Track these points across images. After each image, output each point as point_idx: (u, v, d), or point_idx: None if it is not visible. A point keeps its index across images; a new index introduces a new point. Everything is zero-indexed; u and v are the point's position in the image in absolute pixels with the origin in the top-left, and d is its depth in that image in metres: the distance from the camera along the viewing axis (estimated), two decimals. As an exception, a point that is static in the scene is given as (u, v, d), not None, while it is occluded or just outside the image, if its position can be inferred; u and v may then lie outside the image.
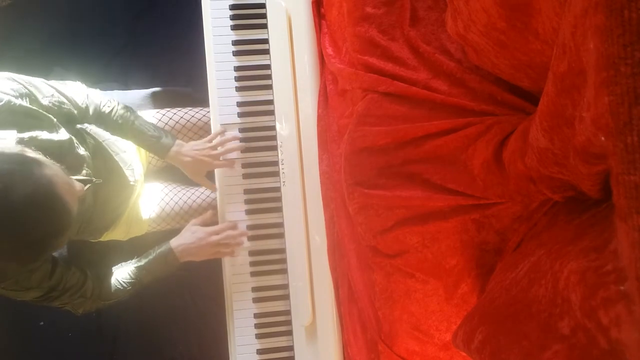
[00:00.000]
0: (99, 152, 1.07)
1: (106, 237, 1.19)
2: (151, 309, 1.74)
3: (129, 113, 1.08)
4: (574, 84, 0.46)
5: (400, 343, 0.87)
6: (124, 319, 1.80)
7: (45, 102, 0.91)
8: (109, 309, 1.78)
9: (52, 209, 0.72)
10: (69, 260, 0.99)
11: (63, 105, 0.96)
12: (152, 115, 1.28)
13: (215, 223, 1.13)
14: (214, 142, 1.11)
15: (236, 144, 1.12)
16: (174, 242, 1.09)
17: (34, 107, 0.87)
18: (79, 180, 0.83)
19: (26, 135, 0.83)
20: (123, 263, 1.09)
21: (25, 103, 0.85)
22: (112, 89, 1.47)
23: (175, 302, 1.78)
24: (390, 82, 0.85)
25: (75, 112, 0.99)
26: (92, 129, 1.10)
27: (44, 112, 0.89)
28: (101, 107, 1.05)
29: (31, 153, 0.74)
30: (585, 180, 0.52)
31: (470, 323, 0.67)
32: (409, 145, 0.81)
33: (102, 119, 1.06)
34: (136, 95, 1.40)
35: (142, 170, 1.27)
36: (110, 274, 1.06)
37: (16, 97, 0.84)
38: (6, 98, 0.82)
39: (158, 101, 1.41)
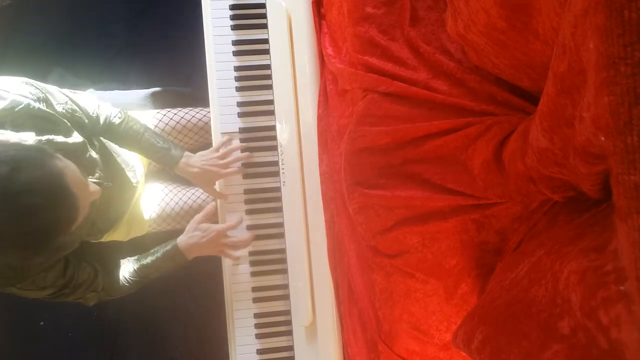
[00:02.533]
0: (104, 153, 1.08)
1: (107, 237, 1.19)
2: (151, 308, 1.74)
3: (138, 125, 1.08)
4: (574, 84, 0.46)
5: (400, 343, 0.87)
6: (124, 319, 1.80)
7: (59, 108, 0.92)
8: (109, 309, 1.79)
9: (58, 198, 0.72)
10: (79, 256, 0.99)
11: (75, 113, 0.97)
12: (152, 116, 1.28)
13: (217, 218, 1.13)
14: (221, 151, 1.11)
15: (243, 153, 1.12)
16: (181, 241, 1.09)
17: (51, 112, 0.88)
18: (94, 183, 0.85)
19: (44, 138, 0.85)
20: (129, 258, 1.09)
21: (42, 107, 0.87)
22: (112, 89, 1.47)
23: (175, 301, 1.79)
24: (390, 82, 0.85)
25: (87, 121, 1.00)
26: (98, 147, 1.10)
27: (60, 117, 0.90)
28: (111, 118, 1.05)
29: (49, 150, 0.75)
30: (585, 180, 0.52)
31: (470, 323, 0.67)
32: (409, 145, 0.81)
33: (111, 130, 1.06)
34: (136, 95, 1.40)
35: (143, 170, 1.27)
36: (118, 268, 1.06)
37: (34, 101, 0.85)
38: (25, 101, 0.83)
39: (158, 101, 1.41)
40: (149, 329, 1.79)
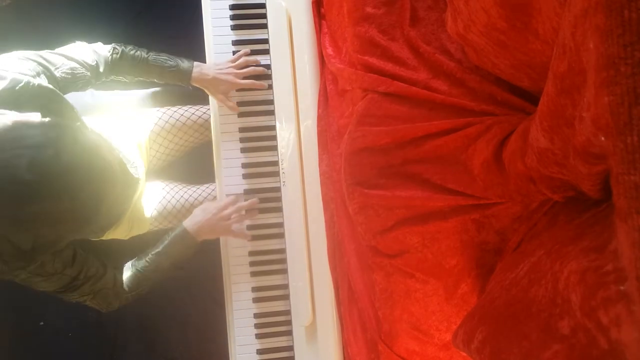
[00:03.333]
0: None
1: (108, 235, 1.19)
2: (151, 309, 1.74)
3: (139, 51, 1.07)
4: (574, 84, 0.46)
5: (400, 343, 0.87)
6: (124, 319, 1.80)
7: (58, 74, 0.91)
8: (109, 309, 1.78)
9: (101, 167, 0.75)
10: (84, 249, 0.99)
11: (76, 72, 0.95)
12: (152, 114, 1.28)
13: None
14: (238, 62, 1.11)
15: (259, 67, 1.13)
16: (187, 223, 1.09)
17: (51, 87, 0.87)
18: None
19: (46, 120, 0.84)
20: (139, 255, 1.08)
21: (43, 82, 0.86)
22: (112, 89, 1.47)
23: (175, 302, 1.78)
24: (390, 82, 0.85)
25: (89, 73, 0.99)
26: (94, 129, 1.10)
27: (60, 94, 0.89)
28: (112, 57, 1.04)
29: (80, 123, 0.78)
30: (585, 180, 0.52)
31: (470, 323, 0.67)
32: (409, 145, 0.81)
33: (116, 68, 1.05)
34: (136, 95, 1.40)
35: (144, 169, 1.27)
36: (128, 265, 1.06)
37: (34, 77, 0.85)
38: (25, 79, 0.83)
39: (158, 101, 1.41)
40: (149, 329, 1.79)
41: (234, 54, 1.13)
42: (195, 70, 1.10)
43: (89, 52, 1.02)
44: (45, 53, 0.92)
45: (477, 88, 0.80)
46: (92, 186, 0.74)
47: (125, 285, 1.04)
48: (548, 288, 0.51)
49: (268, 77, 1.11)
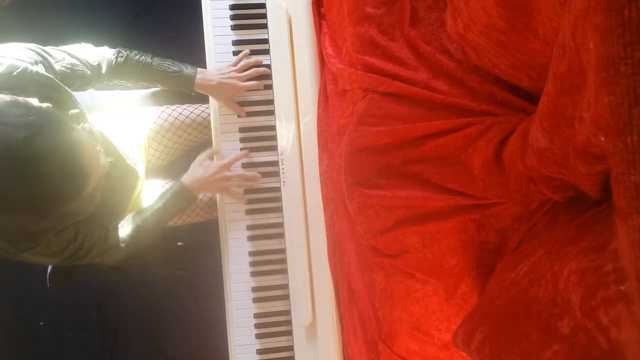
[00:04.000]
0: (104, 142, 1.07)
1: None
2: (151, 308, 1.74)
3: (144, 57, 1.08)
4: (574, 84, 0.46)
5: (400, 343, 0.87)
6: (124, 319, 1.80)
7: (58, 67, 0.91)
8: (109, 309, 1.78)
9: (70, 168, 0.73)
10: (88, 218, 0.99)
11: (76, 68, 0.95)
12: (151, 112, 1.28)
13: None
14: (239, 65, 1.11)
15: (260, 68, 1.13)
16: (187, 179, 1.09)
17: (50, 75, 0.87)
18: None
19: (44, 105, 0.83)
20: (137, 212, 1.09)
21: (41, 70, 0.86)
22: (113, 89, 1.47)
23: (175, 302, 1.79)
24: (390, 82, 0.85)
25: (89, 72, 0.99)
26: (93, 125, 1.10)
27: (59, 83, 0.89)
28: (116, 59, 1.05)
29: (68, 118, 0.76)
30: (585, 180, 0.52)
31: (470, 323, 0.67)
32: (409, 145, 0.81)
33: (120, 71, 1.06)
34: (136, 95, 1.40)
35: (143, 167, 1.27)
36: (128, 218, 1.07)
37: (32, 64, 0.84)
38: (23, 65, 0.82)
39: (158, 101, 1.41)
40: (149, 329, 1.79)
41: (234, 54, 1.13)
42: (198, 76, 1.10)
43: (92, 52, 1.02)
44: (47, 47, 0.93)
45: (477, 88, 0.80)
46: (57, 182, 0.72)
47: (128, 239, 1.04)
48: (548, 288, 0.51)
49: (268, 77, 1.11)
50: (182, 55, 1.14)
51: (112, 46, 1.07)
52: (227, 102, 1.13)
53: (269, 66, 1.10)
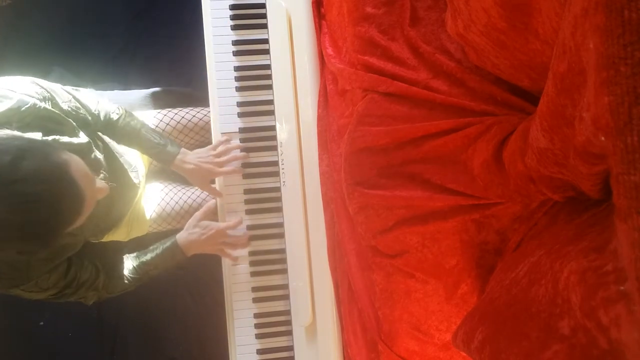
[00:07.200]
0: (108, 154, 1.08)
1: (107, 237, 1.19)
2: (151, 309, 1.74)
3: (135, 122, 1.09)
4: (574, 84, 0.46)
5: (400, 343, 0.87)
6: (124, 319, 1.80)
7: (64, 106, 0.92)
8: (109, 309, 1.79)
9: (60, 188, 0.71)
10: (80, 254, 0.99)
11: (79, 111, 0.97)
12: (152, 116, 1.28)
13: (216, 217, 1.13)
14: (218, 149, 1.11)
15: (240, 153, 1.12)
16: (181, 238, 1.09)
17: (56, 111, 0.88)
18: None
19: (50, 138, 0.85)
20: (129, 255, 1.09)
21: (48, 106, 0.87)
22: (112, 89, 1.47)
23: (175, 302, 1.79)
24: (390, 82, 0.85)
25: (89, 118, 1.01)
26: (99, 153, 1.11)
27: (65, 117, 0.90)
28: (111, 114, 1.06)
29: (55, 144, 0.75)
30: (585, 180, 0.52)
31: (470, 323, 0.67)
32: (409, 145, 0.81)
33: (110, 126, 1.07)
34: (136, 96, 1.40)
35: (144, 171, 1.27)
36: (120, 265, 1.06)
37: (40, 101, 0.85)
38: (32, 101, 0.83)
39: (158, 101, 1.41)
40: (149, 329, 1.79)
41: (234, 54, 1.13)
42: (178, 157, 1.10)
43: (93, 100, 1.04)
44: (55, 85, 0.94)
45: (477, 88, 0.80)
46: (48, 204, 0.70)
47: (113, 287, 1.05)
48: (548, 288, 0.51)
49: (268, 77, 1.11)
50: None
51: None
52: (202, 186, 1.13)
53: (269, 66, 1.10)
